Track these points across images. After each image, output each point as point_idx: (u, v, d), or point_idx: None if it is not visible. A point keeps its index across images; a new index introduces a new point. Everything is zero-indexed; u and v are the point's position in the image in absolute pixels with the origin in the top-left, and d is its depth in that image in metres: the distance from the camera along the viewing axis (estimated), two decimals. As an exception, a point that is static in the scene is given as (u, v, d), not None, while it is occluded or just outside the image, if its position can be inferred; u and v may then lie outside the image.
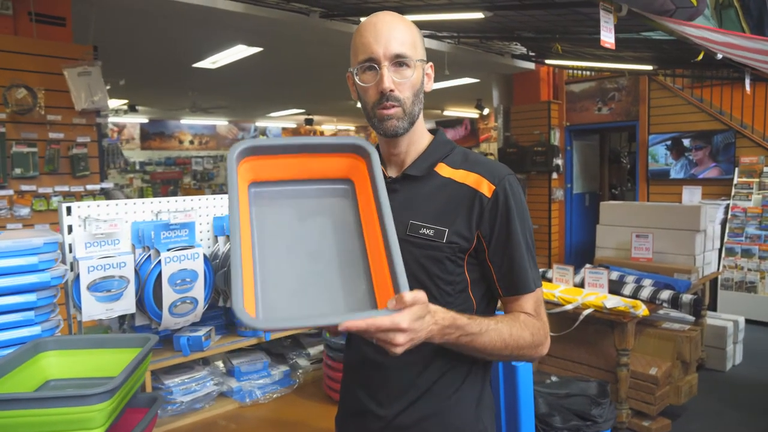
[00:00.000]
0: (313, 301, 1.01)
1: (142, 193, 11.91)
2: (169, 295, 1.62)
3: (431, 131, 1.28)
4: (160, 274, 1.61)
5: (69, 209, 1.59)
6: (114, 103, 9.93)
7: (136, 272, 1.61)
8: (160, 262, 1.60)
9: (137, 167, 12.37)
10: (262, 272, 1.02)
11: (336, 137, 1.12)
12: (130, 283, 1.57)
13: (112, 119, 11.56)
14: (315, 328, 1.93)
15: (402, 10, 3.87)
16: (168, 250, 1.63)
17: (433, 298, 1.13)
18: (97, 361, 1.36)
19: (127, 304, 1.57)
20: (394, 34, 1.13)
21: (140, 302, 1.63)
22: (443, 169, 1.20)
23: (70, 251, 1.58)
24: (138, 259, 1.65)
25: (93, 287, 1.51)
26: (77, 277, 1.50)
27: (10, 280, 1.38)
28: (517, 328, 1.11)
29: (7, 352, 1.37)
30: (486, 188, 1.15)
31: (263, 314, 0.96)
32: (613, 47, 2.93)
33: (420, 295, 0.93)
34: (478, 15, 3.69)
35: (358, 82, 1.17)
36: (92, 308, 1.52)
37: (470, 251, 1.15)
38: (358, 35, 1.17)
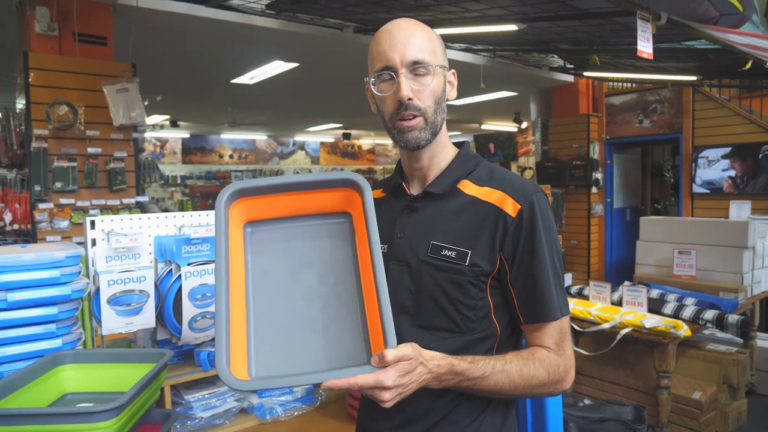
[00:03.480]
0: (308, 350, 0.99)
1: (182, 207, 12.18)
2: (189, 310, 1.62)
3: (457, 144, 1.22)
4: (180, 289, 1.60)
5: (93, 223, 1.61)
6: (156, 119, 10.23)
7: (157, 286, 1.61)
8: (180, 276, 1.60)
9: (178, 181, 12.67)
10: (256, 319, 1.01)
11: (328, 173, 1.10)
12: (150, 298, 1.57)
13: (154, 134, 11.91)
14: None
15: (434, 24, 3.85)
16: (189, 264, 1.63)
17: (454, 325, 1.09)
18: (114, 376, 1.36)
19: (146, 319, 1.57)
20: (411, 40, 1.08)
21: (160, 316, 1.63)
22: (467, 187, 1.14)
23: (93, 265, 1.60)
24: (160, 273, 1.66)
25: (113, 301, 1.52)
26: (97, 291, 1.51)
27: (33, 293, 1.40)
28: (530, 367, 1.04)
29: (26, 365, 1.39)
30: (510, 207, 1.08)
31: (255, 368, 0.96)
32: (651, 57, 2.83)
33: (405, 351, 0.89)
34: (512, 27, 3.64)
35: (376, 92, 1.12)
36: (112, 322, 1.52)
37: (493, 275, 1.08)
38: (374, 43, 1.13)
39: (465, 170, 1.16)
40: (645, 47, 2.75)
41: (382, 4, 3.56)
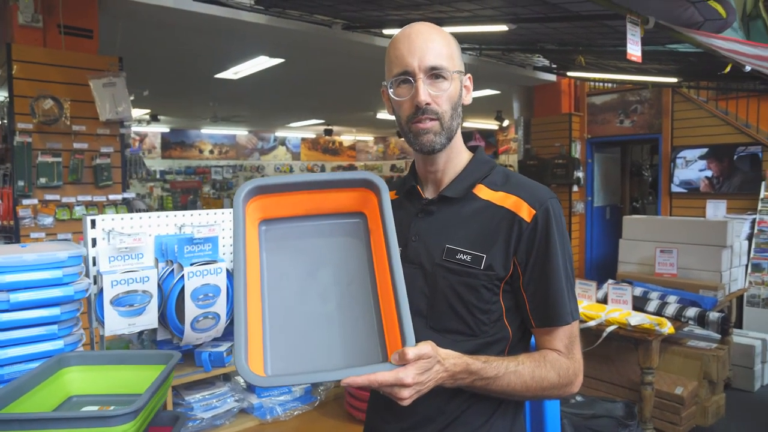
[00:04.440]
0: (322, 347, 1.00)
1: (162, 202, 12.03)
2: (191, 310, 1.61)
3: (470, 149, 1.23)
4: (182, 289, 1.60)
5: (93, 222, 1.59)
6: (136, 113, 10.07)
7: (159, 287, 1.60)
8: (183, 276, 1.59)
9: (158, 176, 12.52)
10: (271, 316, 1.02)
11: (345, 173, 1.10)
12: (153, 298, 1.56)
13: (133, 128, 11.72)
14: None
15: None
16: (191, 264, 1.62)
17: (467, 328, 1.10)
18: (119, 378, 1.35)
19: (149, 319, 1.56)
20: (429, 45, 1.09)
21: (162, 317, 1.62)
22: (482, 191, 1.15)
23: (94, 264, 1.58)
24: (161, 274, 1.64)
25: (116, 302, 1.50)
26: (101, 291, 1.50)
27: (35, 293, 1.38)
28: (542, 369, 1.06)
29: (30, 366, 1.37)
30: (526, 212, 1.09)
31: (271, 365, 0.97)
32: (640, 60, 2.89)
33: (424, 349, 0.91)
34: (503, 27, 3.67)
35: (393, 96, 1.13)
36: (115, 323, 1.51)
37: (506, 279, 1.10)
38: (392, 48, 1.13)
39: (480, 175, 1.16)
40: (634, 50, 2.81)
41: (373, 2, 3.56)
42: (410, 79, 1.09)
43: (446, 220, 1.15)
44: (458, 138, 1.18)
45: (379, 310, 1.04)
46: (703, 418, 3.46)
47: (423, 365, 0.91)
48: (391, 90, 1.13)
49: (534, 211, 1.09)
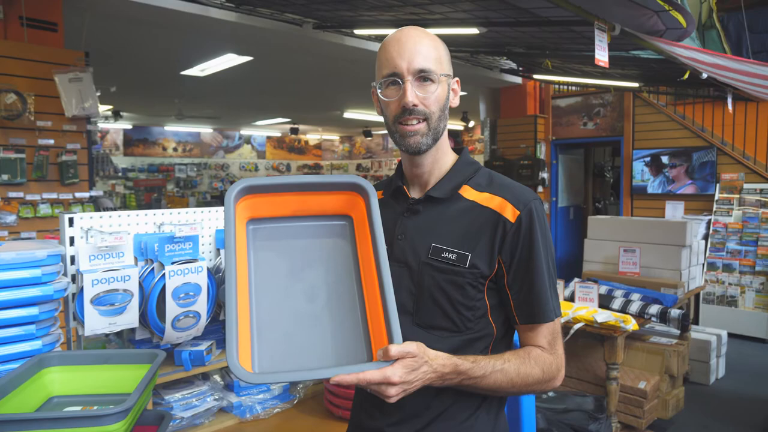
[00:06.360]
0: (309, 346, 1.02)
1: (125, 200, 11.74)
2: (172, 309, 1.60)
3: (455, 150, 1.26)
4: (163, 288, 1.58)
5: (71, 220, 1.57)
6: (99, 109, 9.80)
7: (140, 285, 1.58)
8: (164, 275, 1.58)
9: (119, 174, 12.22)
10: (258, 314, 1.03)
11: (334, 176, 1.13)
12: (134, 297, 1.54)
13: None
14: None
15: (398, 24, 3.89)
16: (172, 263, 1.61)
17: (453, 324, 1.12)
18: (100, 378, 1.33)
19: (130, 318, 1.54)
20: (418, 48, 1.11)
21: (143, 316, 1.60)
22: (467, 192, 1.17)
23: (72, 263, 1.55)
24: (141, 272, 1.62)
25: (96, 301, 1.48)
26: (81, 291, 1.47)
27: (13, 293, 1.35)
28: (526, 366, 1.09)
29: (8, 368, 1.34)
30: (510, 213, 1.12)
31: (258, 362, 0.98)
32: (607, 66, 2.98)
33: (410, 348, 0.93)
34: (474, 30, 3.73)
35: (381, 96, 1.15)
36: (95, 322, 1.49)
37: (491, 277, 1.13)
38: (382, 50, 1.16)
39: (465, 176, 1.19)
40: (602, 56, 2.90)
41: (346, 2, 3.57)
42: (399, 80, 1.12)
43: (432, 220, 1.17)
44: (444, 139, 1.21)
45: (365, 309, 1.07)
46: (664, 411, 3.60)
47: (410, 364, 0.93)
48: (380, 90, 1.15)
49: (518, 212, 1.12)
